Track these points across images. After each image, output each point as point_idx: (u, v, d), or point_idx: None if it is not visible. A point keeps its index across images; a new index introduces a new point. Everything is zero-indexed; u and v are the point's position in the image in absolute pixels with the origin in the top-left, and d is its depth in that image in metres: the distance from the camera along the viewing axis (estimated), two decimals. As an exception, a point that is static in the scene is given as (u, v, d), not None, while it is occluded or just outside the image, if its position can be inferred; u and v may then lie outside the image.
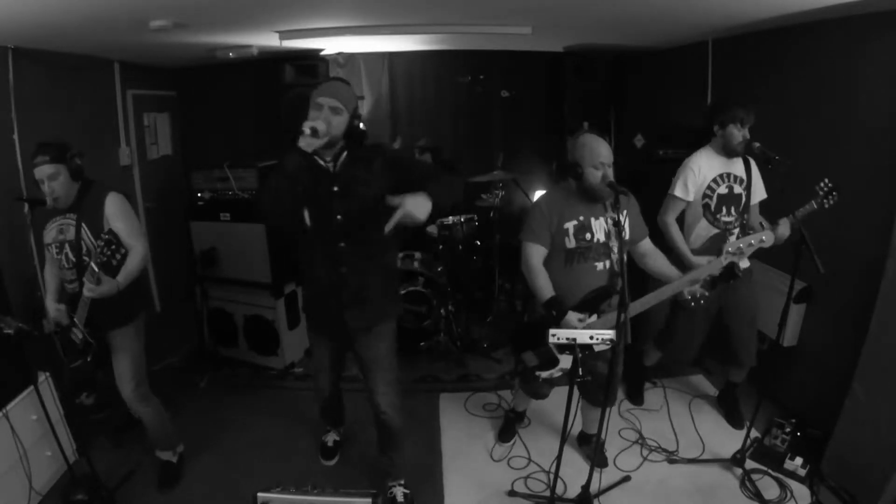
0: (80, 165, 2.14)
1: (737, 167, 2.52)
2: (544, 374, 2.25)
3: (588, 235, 2.18)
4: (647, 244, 2.33)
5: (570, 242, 2.18)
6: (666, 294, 2.11)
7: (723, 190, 2.50)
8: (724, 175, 2.51)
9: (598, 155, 2.09)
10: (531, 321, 2.35)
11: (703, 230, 2.55)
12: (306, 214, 1.97)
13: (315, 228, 1.98)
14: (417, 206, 1.76)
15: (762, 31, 3.01)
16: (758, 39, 3.07)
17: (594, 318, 2.13)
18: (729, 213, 2.51)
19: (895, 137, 2.31)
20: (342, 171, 1.96)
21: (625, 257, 2.00)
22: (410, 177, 1.94)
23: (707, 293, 2.47)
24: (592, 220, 2.19)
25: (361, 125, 1.97)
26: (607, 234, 2.19)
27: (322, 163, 1.96)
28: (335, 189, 1.95)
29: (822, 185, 2.26)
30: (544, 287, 2.14)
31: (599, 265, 2.20)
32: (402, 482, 2.39)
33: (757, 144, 2.40)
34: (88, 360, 2.24)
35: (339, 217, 1.96)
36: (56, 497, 2.41)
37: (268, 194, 1.87)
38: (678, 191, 2.53)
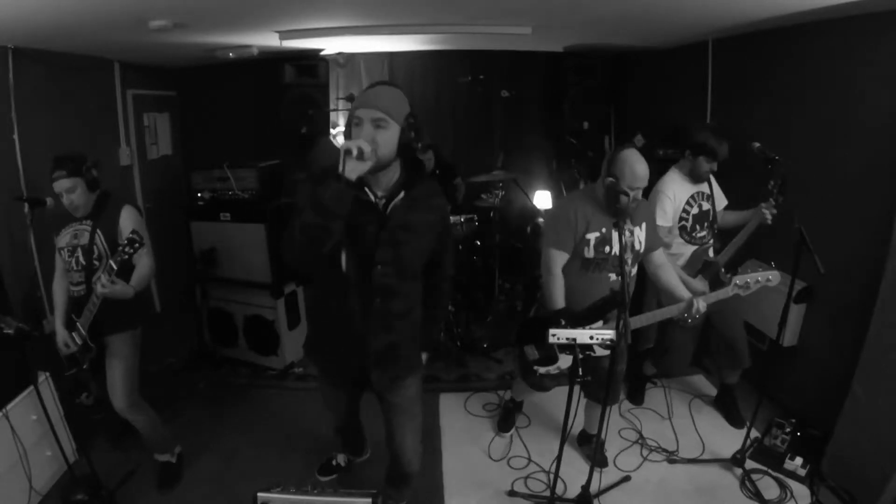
0: (95, 177, 2.25)
1: (702, 185, 2.63)
2: (542, 370, 2.29)
3: (607, 248, 2.20)
4: (660, 255, 2.33)
5: (590, 253, 2.20)
6: (670, 314, 2.15)
7: (695, 210, 2.61)
8: (695, 195, 2.62)
9: (637, 178, 2.08)
10: (538, 315, 2.38)
11: (679, 248, 2.64)
12: (343, 258, 1.59)
13: (348, 275, 1.61)
14: None
15: (762, 31, 3.01)
16: (758, 39, 3.07)
17: (600, 323, 2.16)
18: (702, 229, 2.63)
19: (894, 137, 2.31)
20: (395, 213, 1.58)
21: (630, 265, 2.09)
22: (446, 249, 1.77)
23: (703, 309, 2.51)
24: (613, 233, 2.19)
25: (421, 146, 1.57)
26: (624, 248, 2.19)
27: (372, 197, 1.57)
28: (382, 233, 1.58)
29: (772, 184, 2.36)
30: (558, 297, 2.20)
31: (612, 276, 2.23)
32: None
33: (757, 145, 2.41)
34: (84, 367, 2.27)
35: (379, 267, 1.60)
36: (56, 497, 2.41)
37: (301, 234, 1.44)
38: (659, 220, 2.54)
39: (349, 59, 4.51)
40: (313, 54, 4.14)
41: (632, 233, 2.21)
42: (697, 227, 2.61)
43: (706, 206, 2.63)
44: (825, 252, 2.17)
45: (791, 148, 2.63)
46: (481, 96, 4.67)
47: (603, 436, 2.11)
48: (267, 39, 3.33)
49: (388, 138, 1.48)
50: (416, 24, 3.16)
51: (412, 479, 2.15)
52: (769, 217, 2.39)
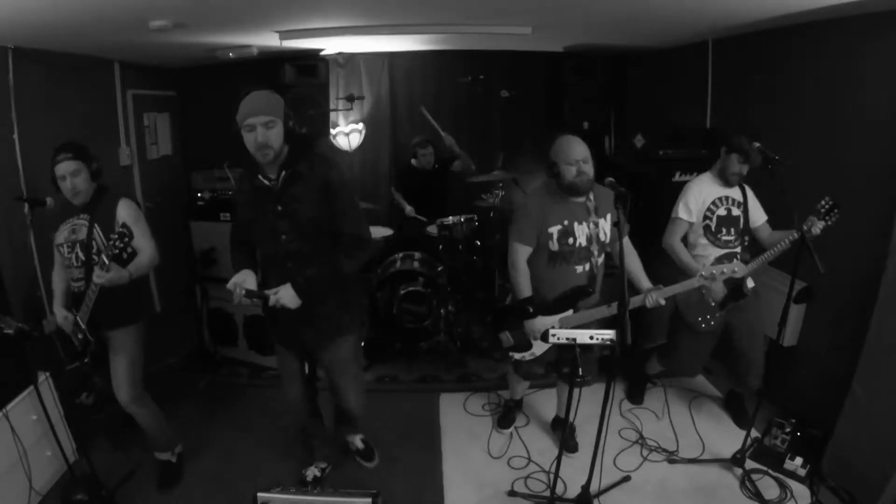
0: (98, 167, 2.26)
1: (734, 192, 2.60)
2: (517, 356, 2.43)
3: (571, 240, 2.29)
4: (625, 243, 2.35)
5: (554, 245, 2.30)
6: (636, 303, 2.19)
7: (722, 212, 2.58)
8: (723, 198, 2.58)
9: (571, 152, 2.22)
10: (511, 305, 2.47)
11: (704, 250, 2.61)
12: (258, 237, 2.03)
13: (264, 248, 1.99)
14: (287, 299, 1.89)
15: (762, 31, 3.01)
16: (758, 39, 3.07)
17: (569, 313, 2.31)
18: (729, 233, 2.58)
19: (894, 138, 2.31)
20: (283, 189, 1.91)
21: (597, 255, 2.21)
22: (337, 212, 1.92)
23: (717, 315, 2.54)
24: (576, 224, 2.29)
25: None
26: (589, 239, 2.31)
27: (267, 181, 1.92)
28: (279, 208, 1.92)
29: (822, 203, 2.24)
30: (524, 286, 2.34)
31: (579, 268, 2.33)
32: (361, 436, 2.65)
33: (757, 145, 2.40)
34: (86, 361, 2.26)
35: (283, 237, 1.94)
36: (56, 497, 2.41)
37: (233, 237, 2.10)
38: (681, 213, 2.59)
39: (349, 59, 4.51)
40: (313, 54, 4.14)
41: (596, 224, 2.30)
42: (724, 229, 2.57)
43: (736, 211, 2.57)
44: (825, 252, 2.17)
45: (791, 148, 2.63)
46: (481, 96, 4.66)
47: (572, 418, 2.08)
48: (267, 39, 3.33)
49: (278, 133, 1.85)
50: (416, 24, 3.16)
51: (358, 422, 2.53)
52: (815, 233, 2.23)
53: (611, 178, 2.08)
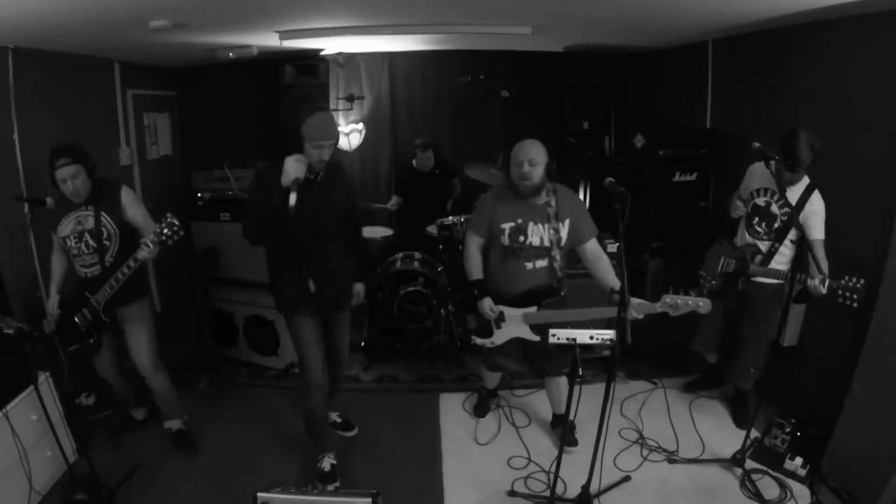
0: (93, 164, 2.37)
1: (791, 192, 2.43)
2: (479, 341, 2.57)
3: (522, 238, 2.37)
4: (591, 247, 2.40)
5: (505, 241, 2.41)
6: (589, 316, 2.23)
7: (760, 202, 2.57)
8: (770, 191, 2.52)
9: (518, 153, 2.32)
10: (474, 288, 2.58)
11: (742, 232, 2.67)
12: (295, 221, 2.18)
13: (303, 230, 2.21)
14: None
15: (762, 31, 3.01)
16: (758, 39, 3.07)
17: (533, 308, 2.42)
18: (760, 226, 2.57)
19: (894, 138, 2.31)
20: (322, 182, 2.27)
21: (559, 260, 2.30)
22: (351, 199, 2.45)
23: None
24: (531, 224, 2.37)
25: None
26: (544, 241, 2.37)
27: (308, 175, 2.21)
28: (319, 196, 2.25)
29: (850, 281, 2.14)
30: (473, 270, 2.53)
31: (529, 265, 2.42)
32: (338, 412, 2.95)
33: (757, 145, 2.40)
34: (91, 341, 2.41)
35: (321, 221, 2.27)
36: (56, 497, 2.41)
37: (255, 223, 2.21)
38: (741, 187, 2.66)
39: (349, 59, 4.50)
40: (313, 54, 4.14)
41: (556, 230, 2.35)
42: (757, 218, 2.57)
43: (775, 209, 2.50)
44: (826, 252, 2.17)
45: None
46: (481, 96, 4.67)
47: (573, 416, 2.09)
48: (267, 39, 3.33)
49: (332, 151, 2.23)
50: (416, 24, 3.16)
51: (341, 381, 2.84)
52: (819, 286, 2.19)
53: (611, 178, 2.08)
